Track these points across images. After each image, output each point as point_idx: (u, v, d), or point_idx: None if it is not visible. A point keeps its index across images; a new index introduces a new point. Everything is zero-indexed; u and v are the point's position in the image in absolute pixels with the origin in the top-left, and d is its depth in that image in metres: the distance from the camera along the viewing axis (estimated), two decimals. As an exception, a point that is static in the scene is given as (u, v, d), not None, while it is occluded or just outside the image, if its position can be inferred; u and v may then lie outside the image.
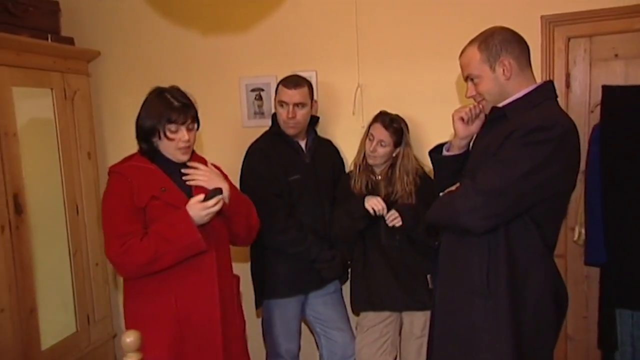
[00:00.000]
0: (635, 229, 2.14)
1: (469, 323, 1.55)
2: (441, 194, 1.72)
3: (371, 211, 2.22)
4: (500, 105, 1.60)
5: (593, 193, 2.26)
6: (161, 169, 1.80)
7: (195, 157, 1.92)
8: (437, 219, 1.63)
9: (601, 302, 2.29)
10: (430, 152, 1.84)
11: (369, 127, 2.35)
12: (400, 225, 2.21)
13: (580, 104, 2.36)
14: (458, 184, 1.66)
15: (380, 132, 2.29)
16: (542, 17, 2.32)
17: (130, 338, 1.42)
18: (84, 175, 2.84)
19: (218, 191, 1.76)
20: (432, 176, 2.37)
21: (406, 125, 2.36)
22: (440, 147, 1.82)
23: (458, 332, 1.59)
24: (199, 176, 1.83)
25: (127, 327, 1.82)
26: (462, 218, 1.48)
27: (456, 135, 1.72)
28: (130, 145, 2.98)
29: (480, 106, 1.66)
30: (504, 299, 1.48)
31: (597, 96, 2.27)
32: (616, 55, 2.29)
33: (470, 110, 1.68)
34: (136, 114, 2.92)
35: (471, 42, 1.66)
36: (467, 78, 1.67)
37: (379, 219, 2.29)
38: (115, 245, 1.65)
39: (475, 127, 1.70)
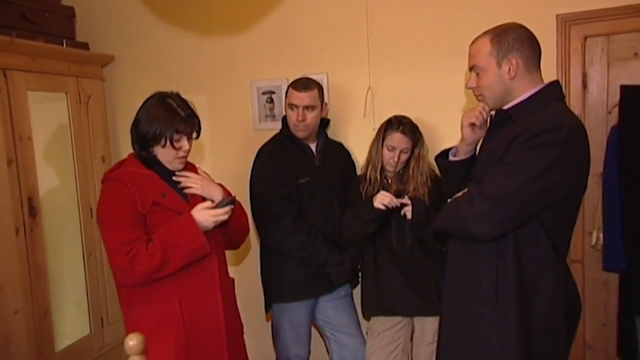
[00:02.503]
0: (656, 234, 2.07)
1: (476, 332, 1.51)
2: (449, 200, 1.68)
3: (382, 207, 2.17)
4: (505, 107, 1.55)
5: (611, 196, 2.19)
6: (157, 174, 1.78)
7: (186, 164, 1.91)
8: (444, 226, 1.59)
9: (621, 310, 2.21)
10: (437, 158, 1.80)
11: (382, 136, 2.29)
12: (410, 219, 2.17)
13: (598, 105, 2.29)
14: (465, 190, 1.63)
15: (401, 141, 2.25)
16: (557, 16, 2.26)
17: (133, 341, 1.42)
18: (97, 178, 2.85)
19: (232, 201, 1.77)
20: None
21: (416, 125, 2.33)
22: (445, 152, 1.78)
23: (465, 341, 1.55)
24: (191, 183, 1.82)
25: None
26: (468, 225, 1.44)
27: (463, 140, 1.68)
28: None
29: (487, 109, 1.62)
30: (513, 308, 1.43)
31: (615, 97, 2.21)
32: (635, 54, 2.22)
33: (480, 113, 1.63)
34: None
35: (485, 33, 1.61)
36: (472, 68, 1.62)
37: (389, 222, 2.26)
38: (121, 252, 1.63)
39: (480, 131, 1.66)
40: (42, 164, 2.54)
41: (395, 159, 2.26)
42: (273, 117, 2.76)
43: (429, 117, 2.42)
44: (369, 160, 2.37)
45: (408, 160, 2.30)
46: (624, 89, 2.15)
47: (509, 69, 1.52)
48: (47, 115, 2.63)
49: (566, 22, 2.25)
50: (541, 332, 1.45)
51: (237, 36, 2.80)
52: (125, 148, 3.11)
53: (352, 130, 2.62)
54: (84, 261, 2.78)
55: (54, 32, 2.73)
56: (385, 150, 2.29)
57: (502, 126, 1.54)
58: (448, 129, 2.41)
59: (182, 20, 2.89)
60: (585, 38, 2.26)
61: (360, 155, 2.56)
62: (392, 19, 2.50)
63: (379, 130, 2.34)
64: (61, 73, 2.68)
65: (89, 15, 3.01)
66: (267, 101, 2.77)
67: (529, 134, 1.39)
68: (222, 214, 1.73)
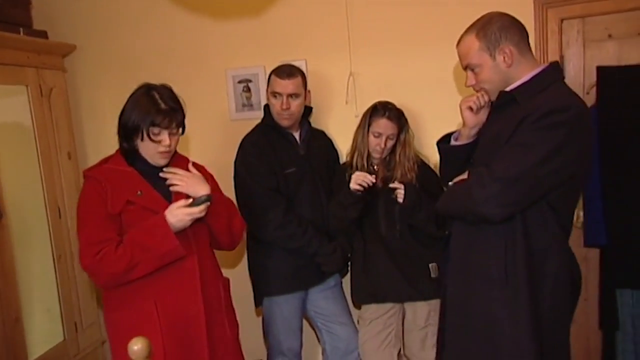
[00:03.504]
0: (635, 209, 2.15)
1: (485, 312, 1.52)
2: (450, 183, 1.68)
3: (359, 187, 2.15)
4: (508, 89, 1.55)
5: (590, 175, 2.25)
6: (139, 171, 1.72)
7: (177, 156, 1.83)
8: (451, 208, 1.58)
9: (602, 283, 2.29)
10: (438, 143, 1.79)
11: (368, 122, 2.26)
12: (401, 204, 2.16)
13: (575, 86, 2.33)
14: (467, 173, 1.63)
15: (387, 127, 2.22)
16: (535, -1, 2.29)
17: (137, 345, 1.34)
18: (64, 176, 2.70)
19: (207, 198, 1.70)
20: (430, 164, 2.35)
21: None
22: (447, 137, 1.77)
23: (474, 321, 1.55)
24: (176, 181, 1.75)
25: (111, 340, 1.76)
26: (479, 206, 1.44)
27: (465, 125, 1.67)
28: (111, 145, 2.86)
29: (487, 96, 1.62)
30: (523, 286, 1.45)
31: (592, 77, 2.26)
32: (609, 36, 2.28)
33: (477, 99, 1.63)
34: (117, 111, 2.84)
35: (468, 30, 1.60)
36: (467, 67, 1.62)
37: (377, 208, 2.24)
38: (89, 254, 1.59)
39: (483, 115, 1.65)
40: (5, 162, 2.36)
41: (382, 145, 2.23)
42: (250, 106, 2.68)
43: (412, 103, 2.40)
44: (354, 148, 2.34)
45: (394, 147, 2.29)
46: (601, 70, 2.21)
47: (504, 57, 1.53)
48: (6, 110, 2.46)
49: (543, 5, 2.29)
50: (549, 307, 1.48)
51: (209, 23, 2.69)
52: (90, 143, 2.95)
53: (334, 117, 2.58)
54: (54, 264, 2.62)
55: (9, 20, 2.52)
56: (371, 137, 2.26)
57: (505, 108, 1.54)
58: (431, 114, 2.43)
59: (149, 6, 2.75)
60: (562, 20, 2.30)
61: (342, 143, 2.53)
62: (372, 3, 2.46)
63: (364, 116, 2.30)
64: (20, 64, 2.49)
65: (46, 1, 2.81)
66: (243, 90, 2.68)
67: (537, 115, 1.39)
68: (197, 212, 1.67)
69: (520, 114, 1.44)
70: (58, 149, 2.69)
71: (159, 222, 1.62)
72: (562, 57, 2.33)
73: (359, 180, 2.15)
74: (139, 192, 1.67)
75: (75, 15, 2.83)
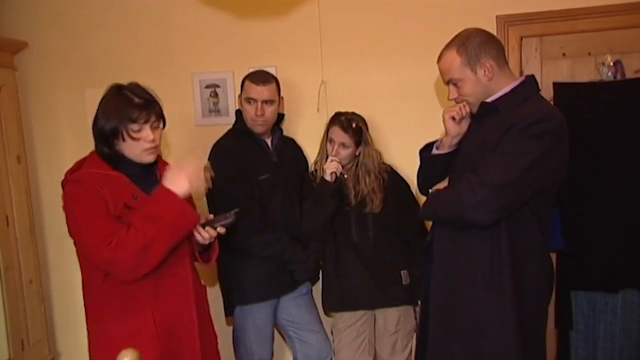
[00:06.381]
0: (589, 218, 2.31)
1: (471, 314, 1.57)
2: (431, 190, 1.73)
3: (332, 176, 2.21)
4: (489, 100, 1.63)
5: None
6: (126, 175, 1.64)
7: (161, 163, 1.77)
8: (437, 214, 1.63)
9: (558, 285, 2.43)
10: (421, 151, 1.84)
11: (327, 131, 2.32)
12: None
13: (533, 100, 2.49)
14: (447, 180, 1.69)
15: (340, 135, 2.26)
16: (497, 16, 2.41)
17: (127, 358, 1.28)
18: (13, 181, 2.52)
19: (230, 217, 1.69)
20: (399, 173, 2.41)
21: (364, 122, 2.34)
22: (429, 146, 1.82)
23: (458, 323, 1.60)
24: None
25: (97, 356, 1.66)
26: (468, 212, 1.49)
27: (448, 134, 1.73)
28: (63, 148, 2.73)
29: (468, 107, 1.68)
30: (508, 289, 1.51)
31: (548, 92, 2.41)
32: (564, 54, 2.45)
33: (460, 109, 1.69)
34: (71, 113, 2.70)
35: (448, 47, 1.66)
36: (449, 82, 1.68)
37: (349, 216, 2.27)
38: (102, 247, 1.49)
39: (464, 125, 1.72)
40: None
41: (332, 153, 2.27)
42: (218, 111, 2.63)
43: (383, 113, 2.46)
44: (322, 156, 2.35)
45: (358, 160, 2.31)
46: (557, 85, 2.37)
47: (485, 71, 1.60)
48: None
49: (505, 23, 2.42)
50: (531, 306, 1.56)
51: (175, 23, 2.61)
52: (41, 147, 2.78)
53: (304, 125, 2.57)
54: (0, 276, 2.43)
55: (-46, 12, 2.34)
56: (328, 144, 2.30)
57: (487, 118, 1.61)
58: (403, 122, 2.49)
59: (109, 3, 2.63)
60: (522, 38, 2.45)
61: (311, 151, 2.52)
62: (344, 11, 2.49)
63: (327, 125, 2.34)
64: (-34, 60, 2.31)
65: (-6, -6, 2.63)
66: (210, 95, 2.63)
67: (524, 124, 1.47)
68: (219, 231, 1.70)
69: (505, 124, 1.51)
70: (7, 152, 2.50)
71: (162, 190, 1.56)
72: (521, 72, 2.46)
73: (332, 168, 2.21)
74: (135, 196, 1.60)
75: (27, 9, 2.65)
